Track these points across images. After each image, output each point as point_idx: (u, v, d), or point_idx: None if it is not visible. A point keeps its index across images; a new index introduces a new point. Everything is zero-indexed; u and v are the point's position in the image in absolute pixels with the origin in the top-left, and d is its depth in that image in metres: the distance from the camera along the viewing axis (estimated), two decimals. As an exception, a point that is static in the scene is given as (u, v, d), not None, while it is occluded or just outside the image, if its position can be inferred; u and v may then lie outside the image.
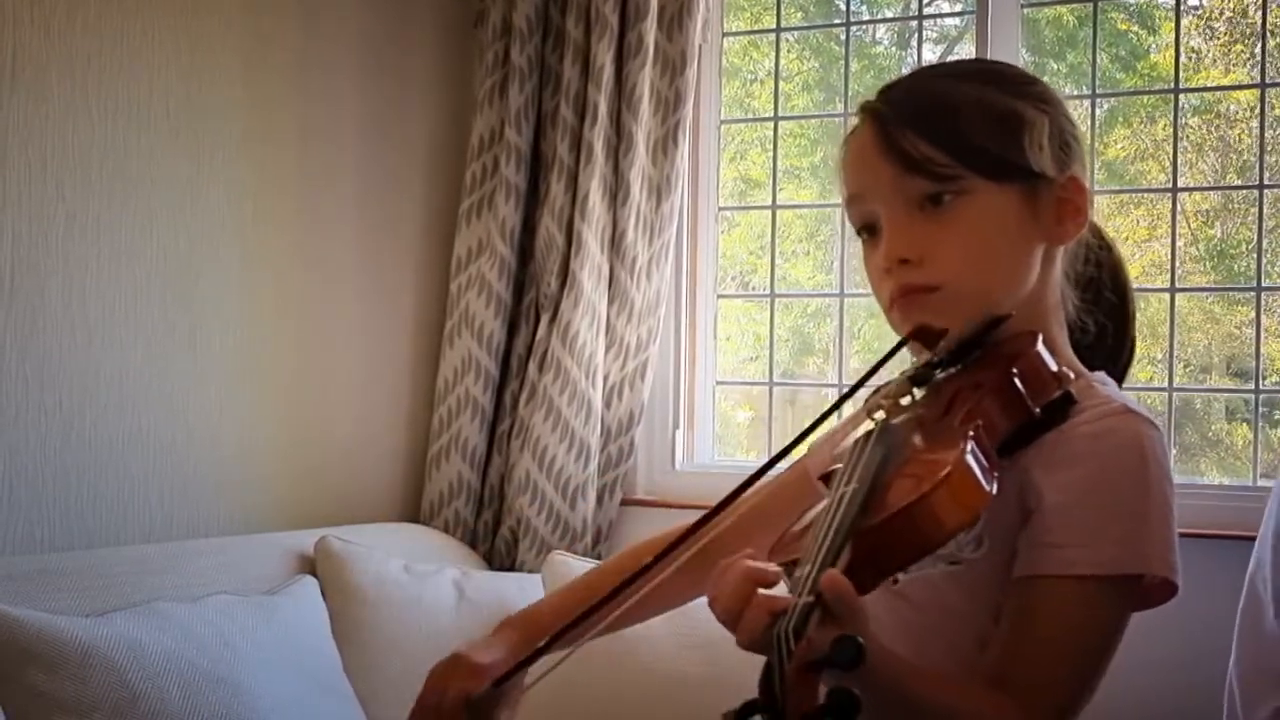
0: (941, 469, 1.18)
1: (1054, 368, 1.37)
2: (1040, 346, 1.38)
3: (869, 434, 1.32)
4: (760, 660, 1.09)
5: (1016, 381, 1.33)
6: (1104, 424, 1.36)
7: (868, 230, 1.47)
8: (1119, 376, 1.57)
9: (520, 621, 1.61)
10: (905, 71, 1.68)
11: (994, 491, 1.21)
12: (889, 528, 1.15)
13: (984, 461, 1.22)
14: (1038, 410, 1.33)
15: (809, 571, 1.10)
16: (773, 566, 1.15)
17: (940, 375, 1.40)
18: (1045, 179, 1.43)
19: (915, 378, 1.41)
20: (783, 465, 1.52)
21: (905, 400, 1.39)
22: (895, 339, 1.47)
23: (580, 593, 1.60)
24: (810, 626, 1.05)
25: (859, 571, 1.12)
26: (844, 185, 1.50)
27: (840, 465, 1.31)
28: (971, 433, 1.24)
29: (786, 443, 1.45)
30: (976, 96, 1.43)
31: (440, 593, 2.91)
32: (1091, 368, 1.48)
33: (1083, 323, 1.53)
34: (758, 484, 1.42)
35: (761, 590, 1.11)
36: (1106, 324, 1.56)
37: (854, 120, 1.51)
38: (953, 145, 1.40)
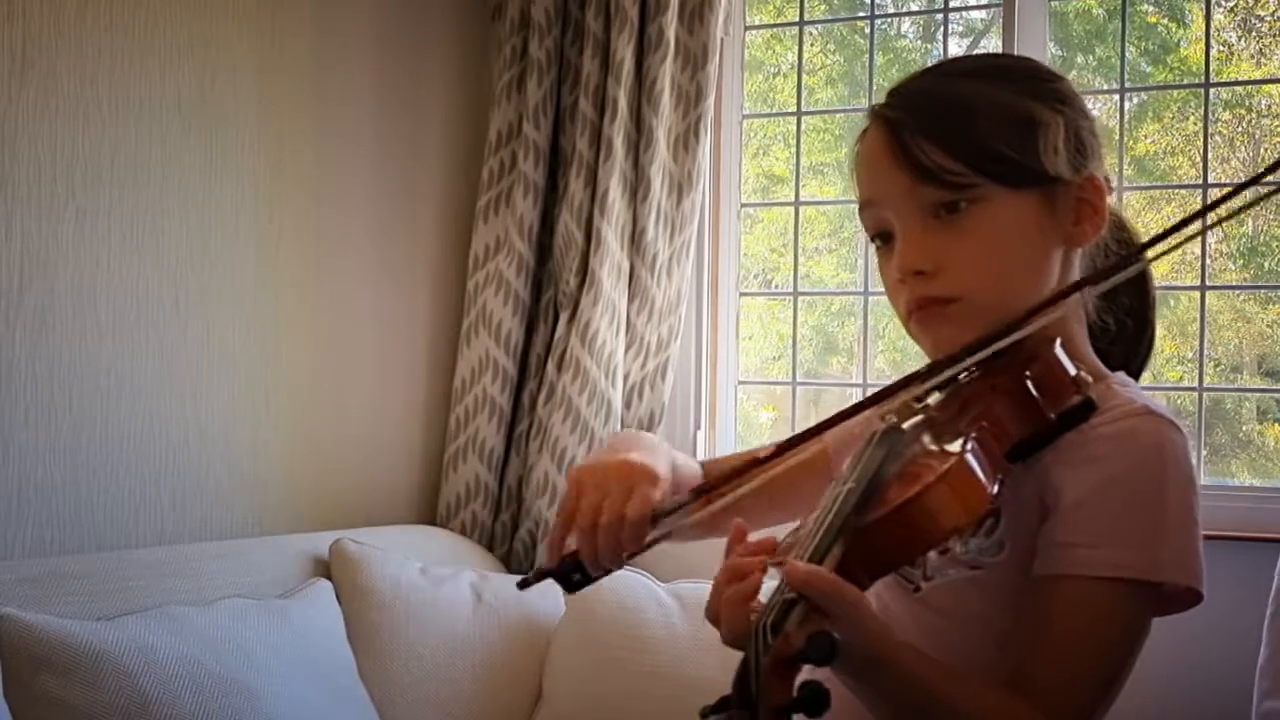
0: (939, 467, 1.18)
1: (1072, 372, 1.35)
2: (1058, 350, 1.36)
3: (873, 435, 1.31)
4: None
5: (1030, 385, 1.31)
6: (1125, 425, 1.33)
7: (882, 237, 1.45)
8: (1139, 368, 1.55)
9: (652, 444, 1.51)
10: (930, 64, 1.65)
11: (994, 493, 1.20)
12: (883, 525, 1.16)
13: (985, 462, 1.21)
14: (1053, 416, 1.30)
15: None
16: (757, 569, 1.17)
17: (961, 379, 1.38)
18: (1062, 181, 1.40)
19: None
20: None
21: (920, 404, 1.37)
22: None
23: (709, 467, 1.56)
24: (790, 622, 1.06)
25: (852, 569, 1.13)
26: (857, 191, 1.47)
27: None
28: (975, 433, 1.23)
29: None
30: (990, 99, 1.40)
31: (457, 596, 2.89)
32: (1112, 363, 1.46)
33: (1104, 322, 1.51)
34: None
35: (738, 585, 1.14)
36: (1127, 320, 1.54)
37: (865, 120, 1.48)
38: (968, 153, 1.37)
